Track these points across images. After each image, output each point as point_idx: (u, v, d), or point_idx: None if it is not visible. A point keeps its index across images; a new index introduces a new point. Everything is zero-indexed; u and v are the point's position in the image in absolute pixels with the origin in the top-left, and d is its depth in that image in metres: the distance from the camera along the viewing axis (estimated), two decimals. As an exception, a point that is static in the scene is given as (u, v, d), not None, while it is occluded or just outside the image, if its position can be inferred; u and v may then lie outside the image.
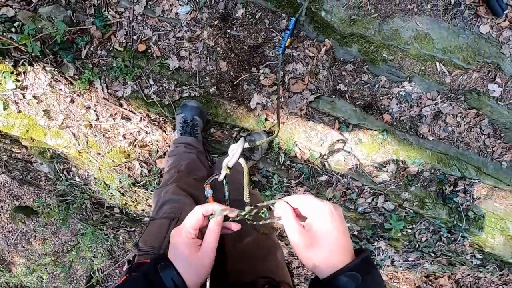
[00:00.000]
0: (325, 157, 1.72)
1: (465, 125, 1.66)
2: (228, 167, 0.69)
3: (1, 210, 4.25)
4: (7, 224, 4.47)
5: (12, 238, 4.48)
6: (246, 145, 0.70)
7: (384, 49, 1.51)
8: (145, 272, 0.52)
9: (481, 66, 1.53)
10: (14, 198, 4.05)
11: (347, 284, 0.44)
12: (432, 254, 1.96)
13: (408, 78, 1.57)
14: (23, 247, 4.54)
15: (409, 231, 1.86)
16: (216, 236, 0.54)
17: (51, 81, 1.59)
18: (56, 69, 1.56)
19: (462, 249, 1.88)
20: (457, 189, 1.74)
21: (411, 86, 1.59)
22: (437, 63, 1.53)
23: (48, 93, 1.61)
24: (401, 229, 1.79)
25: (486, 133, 1.67)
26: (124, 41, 1.58)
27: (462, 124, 1.66)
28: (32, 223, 4.27)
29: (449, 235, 1.83)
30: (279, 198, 0.57)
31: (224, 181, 0.71)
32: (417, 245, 1.92)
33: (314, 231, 0.48)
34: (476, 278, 2.20)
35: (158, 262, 0.52)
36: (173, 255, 0.53)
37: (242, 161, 0.67)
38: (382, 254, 2.01)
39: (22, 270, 4.20)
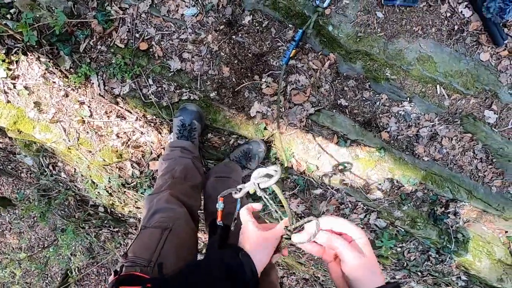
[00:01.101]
0: (321, 170, 1.71)
1: (460, 148, 1.69)
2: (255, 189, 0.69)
3: (-24, 200, 4.04)
4: (-19, 215, 4.26)
5: (-15, 230, 4.27)
6: (280, 174, 0.69)
7: (387, 68, 1.52)
8: (222, 257, 0.60)
9: (479, 92, 1.56)
10: (-10, 188, 3.87)
11: None
12: (419, 274, 1.97)
13: (408, 98, 1.58)
14: (-4, 239, 4.33)
15: (399, 249, 1.86)
16: (279, 232, 0.63)
17: (45, 73, 1.52)
18: (51, 61, 1.50)
19: (449, 270, 1.90)
20: (448, 210, 1.76)
21: (410, 106, 1.60)
22: (438, 86, 1.55)
23: (40, 84, 1.55)
24: (391, 247, 1.79)
25: (479, 157, 1.71)
26: (125, 38, 1.53)
27: (457, 147, 1.68)
28: (8, 215, 4.08)
29: (437, 256, 1.85)
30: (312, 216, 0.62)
31: (239, 199, 0.71)
32: (405, 264, 1.92)
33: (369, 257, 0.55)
34: (458, 298, 2.23)
35: (237, 251, 0.60)
36: (243, 238, 0.63)
37: (276, 188, 0.68)
38: (370, 271, 2.01)
39: (-4, 265, 4.00)
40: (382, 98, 1.61)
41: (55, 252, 3.61)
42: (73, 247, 3.64)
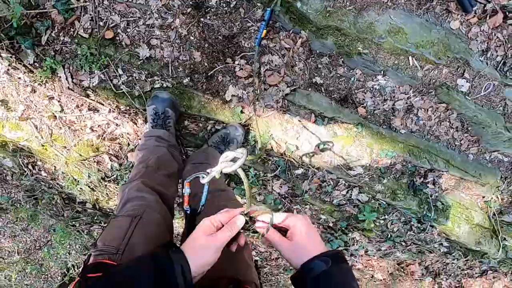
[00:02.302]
0: (301, 150, 1.71)
1: (436, 118, 1.71)
2: (220, 174, 0.68)
3: (-35, 207, 3.97)
4: (-27, 222, 4.20)
5: (-21, 236, 4.23)
6: (246, 157, 0.68)
7: (359, 42, 1.51)
8: (151, 255, 0.56)
9: (451, 61, 1.56)
10: (-20, 194, 3.79)
11: (317, 266, 0.55)
12: (403, 243, 2.03)
13: (382, 71, 1.58)
14: (-8, 245, 4.29)
15: (382, 221, 1.91)
16: (231, 233, 0.60)
17: (8, 69, 1.47)
18: (13, 56, 1.44)
19: (431, 238, 1.96)
20: (427, 180, 1.80)
21: (385, 80, 1.60)
22: (410, 58, 1.55)
23: (5, 81, 1.49)
24: (374, 220, 1.84)
25: (454, 126, 1.73)
26: (89, 27, 1.48)
27: (433, 117, 1.70)
28: (1, 219, 4.03)
29: (419, 225, 1.90)
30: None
31: (206, 185, 0.70)
32: (389, 235, 1.98)
33: (297, 239, 0.61)
34: (444, 264, 2.32)
35: (167, 247, 0.58)
36: (190, 237, 0.59)
37: (241, 172, 0.66)
38: (356, 244, 2.07)
39: (-12, 270, 3.98)
40: (356, 74, 1.60)
41: (48, 253, 3.61)
42: (68, 246, 3.64)
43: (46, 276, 4.50)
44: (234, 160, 0.69)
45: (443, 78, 1.60)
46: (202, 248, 0.56)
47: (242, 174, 0.67)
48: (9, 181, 2.86)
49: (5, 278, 4.17)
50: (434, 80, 1.61)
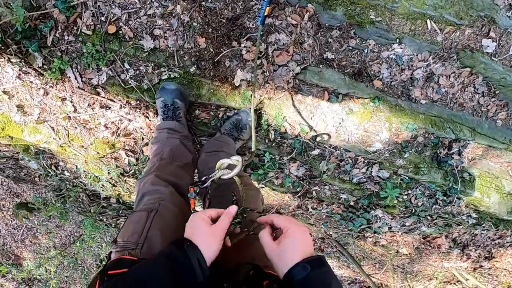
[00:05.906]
0: (316, 130, 1.66)
1: (459, 85, 1.60)
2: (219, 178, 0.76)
3: (3, 208, 4.24)
4: (11, 221, 4.48)
5: (19, 234, 4.52)
6: (242, 165, 0.74)
7: (371, 10, 1.41)
8: (165, 253, 0.59)
9: (474, 21, 1.44)
10: (14, 195, 4.02)
11: (298, 273, 0.58)
12: (429, 217, 1.97)
13: (397, 40, 1.48)
14: (31, 241, 4.58)
15: (405, 197, 1.85)
16: (227, 220, 0.66)
17: (19, 74, 1.49)
18: (22, 60, 1.46)
19: (458, 210, 1.89)
20: (451, 151, 1.71)
21: (401, 48, 1.50)
22: (428, 21, 1.43)
23: (18, 86, 1.52)
24: (396, 196, 1.78)
25: (480, 91, 1.62)
26: (91, 23, 1.46)
27: (456, 84, 1.60)
28: (36, 218, 4.28)
29: (445, 198, 1.83)
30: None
31: (208, 189, 0.74)
32: (413, 210, 1.92)
33: (284, 244, 0.63)
34: (472, 235, 2.25)
35: (180, 243, 0.60)
36: (191, 230, 0.63)
37: (237, 179, 0.74)
38: (380, 222, 2.03)
39: (29, 264, 4.27)
40: (369, 45, 1.51)
41: (81, 246, 3.81)
42: (98, 239, 3.83)
43: (83, 268, 4.78)
44: (229, 167, 0.80)
45: (465, 40, 1.48)
46: (211, 236, 0.61)
47: (238, 181, 0.78)
48: (37, 182, 3.00)
49: (46, 271, 4.46)
50: (455, 44, 1.49)
